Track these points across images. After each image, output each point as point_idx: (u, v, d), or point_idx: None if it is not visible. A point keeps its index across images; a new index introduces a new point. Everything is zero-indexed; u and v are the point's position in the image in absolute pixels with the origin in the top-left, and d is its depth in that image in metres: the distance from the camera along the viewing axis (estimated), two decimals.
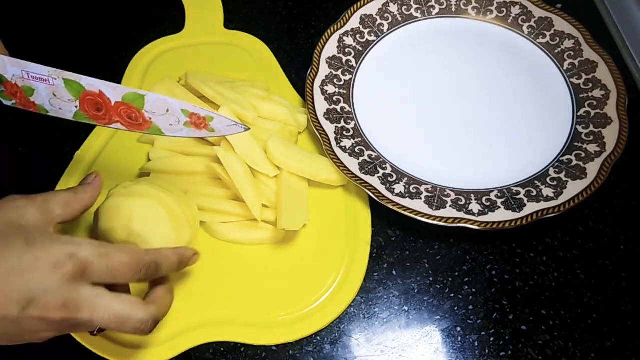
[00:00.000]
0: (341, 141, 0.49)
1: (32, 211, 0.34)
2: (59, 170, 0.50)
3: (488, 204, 0.46)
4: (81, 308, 0.31)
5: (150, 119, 0.39)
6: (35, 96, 0.39)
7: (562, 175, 0.47)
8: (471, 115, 0.52)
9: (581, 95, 0.52)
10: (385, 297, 0.44)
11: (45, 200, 0.35)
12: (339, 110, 0.51)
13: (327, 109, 0.51)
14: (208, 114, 0.39)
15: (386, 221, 0.48)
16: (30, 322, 0.31)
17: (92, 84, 0.38)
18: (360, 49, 0.56)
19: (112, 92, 0.38)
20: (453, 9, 0.59)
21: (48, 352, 0.39)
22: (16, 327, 0.31)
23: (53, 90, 0.39)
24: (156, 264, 0.36)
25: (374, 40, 0.57)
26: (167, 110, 0.38)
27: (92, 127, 0.53)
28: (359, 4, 0.57)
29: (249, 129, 0.40)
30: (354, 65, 0.55)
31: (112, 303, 0.33)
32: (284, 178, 0.46)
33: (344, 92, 0.53)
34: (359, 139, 0.50)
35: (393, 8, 0.58)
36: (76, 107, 0.39)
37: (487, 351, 0.42)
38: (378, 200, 0.45)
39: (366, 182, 0.46)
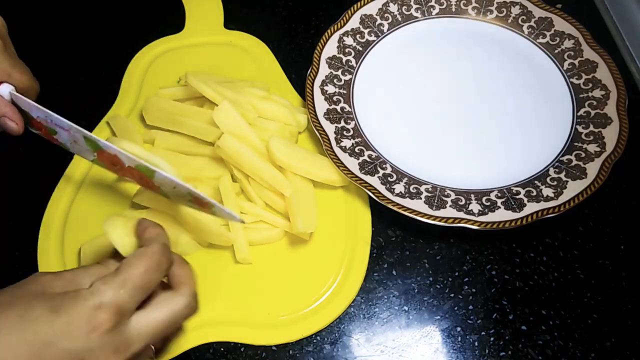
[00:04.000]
0: (341, 141, 0.49)
1: (59, 283, 0.33)
2: (59, 170, 0.50)
3: (488, 204, 0.46)
4: (131, 343, 0.31)
5: (160, 187, 0.41)
6: (57, 136, 0.43)
7: (562, 175, 0.47)
8: (471, 115, 0.52)
9: (581, 95, 0.52)
10: (385, 297, 0.44)
11: (74, 274, 0.34)
12: (339, 110, 0.51)
13: (327, 109, 0.51)
14: (210, 201, 0.39)
15: (386, 221, 0.48)
16: None
17: (109, 146, 0.40)
18: (360, 49, 0.56)
19: (126, 159, 0.40)
20: (453, 9, 0.59)
21: None
22: None
23: (74, 138, 0.42)
24: (164, 244, 0.35)
25: (374, 40, 0.57)
26: (175, 187, 0.40)
27: (92, 127, 0.53)
28: (359, 4, 0.57)
29: (244, 222, 0.42)
30: (354, 65, 0.55)
31: (151, 315, 0.32)
32: (290, 180, 0.46)
33: (344, 92, 0.53)
34: (359, 139, 0.50)
35: (393, 8, 0.58)
36: (94, 156, 0.42)
37: (487, 351, 0.42)
38: (378, 200, 0.45)
39: (366, 182, 0.46)
